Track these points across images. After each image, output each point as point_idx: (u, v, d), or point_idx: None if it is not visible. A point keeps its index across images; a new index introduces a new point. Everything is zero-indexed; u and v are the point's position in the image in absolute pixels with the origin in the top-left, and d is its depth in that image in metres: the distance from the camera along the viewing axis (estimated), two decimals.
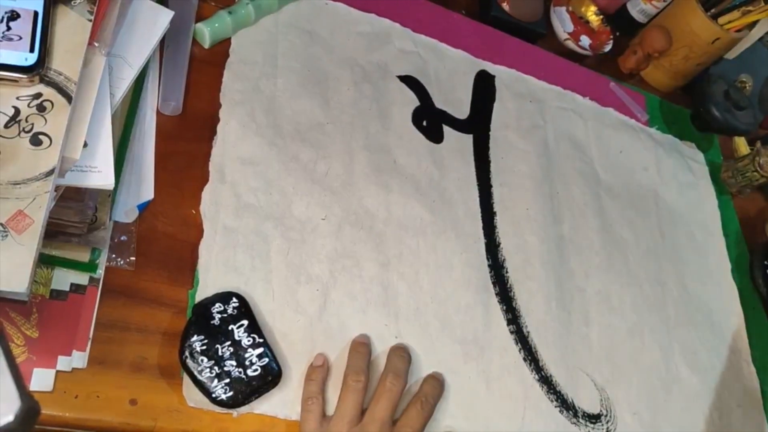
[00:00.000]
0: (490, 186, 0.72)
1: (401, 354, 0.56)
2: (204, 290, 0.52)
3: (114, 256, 0.50)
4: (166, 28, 0.54)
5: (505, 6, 0.86)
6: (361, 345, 0.55)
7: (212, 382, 0.48)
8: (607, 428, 0.63)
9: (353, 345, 0.55)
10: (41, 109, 0.43)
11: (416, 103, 0.73)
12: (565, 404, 0.63)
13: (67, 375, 0.45)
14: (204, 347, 0.49)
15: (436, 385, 0.56)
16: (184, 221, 0.55)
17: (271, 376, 0.50)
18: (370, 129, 0.68)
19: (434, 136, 0.72)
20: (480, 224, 0.69)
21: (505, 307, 0.65)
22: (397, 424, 0.52)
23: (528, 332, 0.64)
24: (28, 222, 0.39)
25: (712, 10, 0.88)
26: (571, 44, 0.90)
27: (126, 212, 0.52)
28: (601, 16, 0.94)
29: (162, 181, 0.55)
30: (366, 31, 0.74)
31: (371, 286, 0.59)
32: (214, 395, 0.48)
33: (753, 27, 0.89)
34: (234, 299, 0.51)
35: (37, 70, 0.43)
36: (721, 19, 0.88)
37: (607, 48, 0.92)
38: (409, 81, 0.74)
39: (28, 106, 0.43)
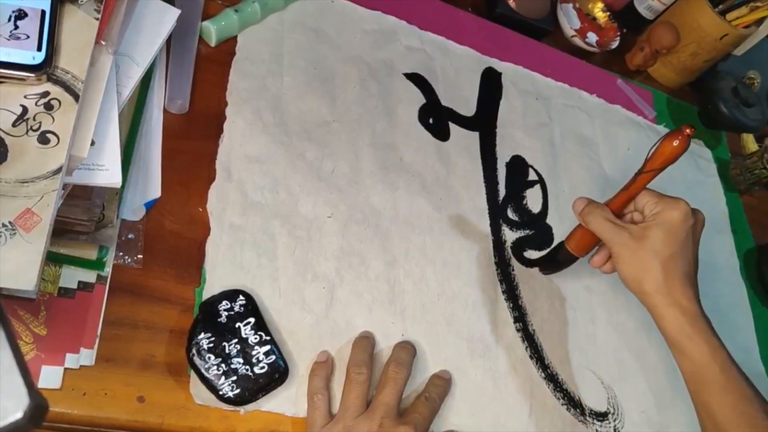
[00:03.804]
0: (497, 183, 0.72)
1: (404, 345, 0.56)
2: (211, 288, 0.52)
3: (121, 254, 0.51)
4: (172, 27, 0.55)
5: (512, 3, 0.85)
6: (363, 338, 0.55)
7: (219, 379, 0.48)
8: (615, 426, 0.63)
9: (355, 339, 0.55)
10: (49, 107, 0.43)
11: (423, 100, 0.73)
12: (572, 402, 0.62)
13: (75, 372, 0.46)
14: (211, 345, 0.49)
15: (441, 383, 0.56)
16: (191, 219, 0.55)
17: (278, 374, 0.50)
18: (377, 127, 0.68)
19: (441, 133, 0.72)
20: (487, 222, 0.69)
21: (511, 305, 0.65)
22: (403, 414, 0.52)
23: (534, 330, 0.64)
24: (36, 220, 0.40)
25: (720, 6, 0.87)
26: (578, 41, 0.89)
27: (133, 210, 0.52)
28: (608, 13, 0.94)
29: (169, 179, 0.55)
30: (372, 29, 0.74)
31: (377, 284, 0.59)
32: (221, 392, 0.48)
33: (761, 23, 0.89)
34: (241, 297, 0.52)
35: (45, 69, 0.43)
36: (729, 15, 0.87)
37: (614, 45, 0.92)
38: (416, 78, 0.74)
39: (36, 104, 0.43)
